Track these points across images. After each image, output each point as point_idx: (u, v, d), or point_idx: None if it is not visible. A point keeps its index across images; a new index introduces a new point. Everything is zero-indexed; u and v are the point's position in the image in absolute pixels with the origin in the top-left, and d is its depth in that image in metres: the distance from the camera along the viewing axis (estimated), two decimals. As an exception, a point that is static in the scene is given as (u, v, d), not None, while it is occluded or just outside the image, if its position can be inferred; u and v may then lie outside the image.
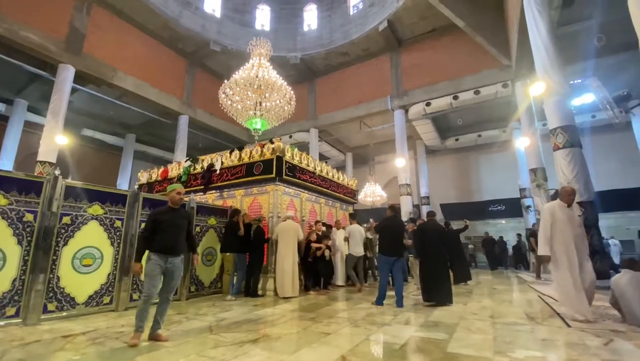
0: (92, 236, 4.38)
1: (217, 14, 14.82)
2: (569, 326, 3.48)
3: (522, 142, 10.90)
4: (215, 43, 14.00)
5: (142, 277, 3.17)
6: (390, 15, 12.56)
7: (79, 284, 4.17)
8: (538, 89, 7.08)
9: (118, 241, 4.62)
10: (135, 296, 4.71)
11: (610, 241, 13.13)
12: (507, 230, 16.91)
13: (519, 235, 13.68)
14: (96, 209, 4.46)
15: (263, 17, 15.95)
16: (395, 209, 5.41)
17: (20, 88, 13.03)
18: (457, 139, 17.46)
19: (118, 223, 4.66)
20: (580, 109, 13.67)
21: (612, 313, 3.88)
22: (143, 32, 12.89)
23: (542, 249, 3.90)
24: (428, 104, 13.08)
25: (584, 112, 14.09)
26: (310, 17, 16.07)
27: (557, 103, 6.70)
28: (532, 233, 9.28)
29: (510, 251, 14.62)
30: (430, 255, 5.03)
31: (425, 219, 5.97)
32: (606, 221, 12.56)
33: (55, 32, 10.05)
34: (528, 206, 13.14)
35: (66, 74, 10.10)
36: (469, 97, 12.31)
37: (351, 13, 14.96)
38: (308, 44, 15.37)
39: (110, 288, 4.44)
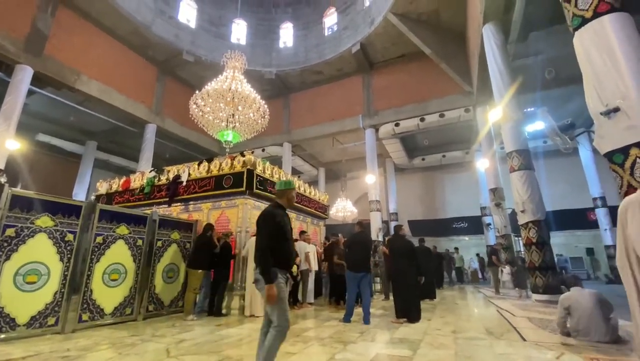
0: (38, 251, 4.01)
1: (192, 24, 14.69)
2: (524, 340, 3.65)
3: (483, 164, 11.59)
4: (189, 53, 13.81)
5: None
6: (363, 39, 13.13)
7: (21, 303, 3.78)
8: (496, 115, 7.64)
9: (68, 256, 4.27)
10: (85, 317, 4.34)
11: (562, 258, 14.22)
12: (469, 247, 17.68)
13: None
14: (45, 220, 4.12)
15: (239, 31, 16.03)
16: (363, 225, 5.48)
17: (-33, 87, 12.00)
18: (423, 159, 18.26)
19: (70, 237, 4.32)
20: (534, 135, 14.81)
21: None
22: (111, 37, 12.43)
23: None
24: (397, 125, 13.65)
25: (537, 138, 15.29)
26: (286, 35, 16.38)
27: (512, 128, 7.26)
28: (493, 251, 9.75)
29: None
30: (399, 271, 5.06)
31: (398, 234, 5.46)
32: (557, 239, 13.52)
33: (15, 31, 9.43)
34: (488, 224, 13.86)
35: (23, 75, 9.44)
36: (435, 120, 13.01)
37: (326, 34, 15.46)
38: (283, 60, 15.60)
39: (56, 308, 4.05)
